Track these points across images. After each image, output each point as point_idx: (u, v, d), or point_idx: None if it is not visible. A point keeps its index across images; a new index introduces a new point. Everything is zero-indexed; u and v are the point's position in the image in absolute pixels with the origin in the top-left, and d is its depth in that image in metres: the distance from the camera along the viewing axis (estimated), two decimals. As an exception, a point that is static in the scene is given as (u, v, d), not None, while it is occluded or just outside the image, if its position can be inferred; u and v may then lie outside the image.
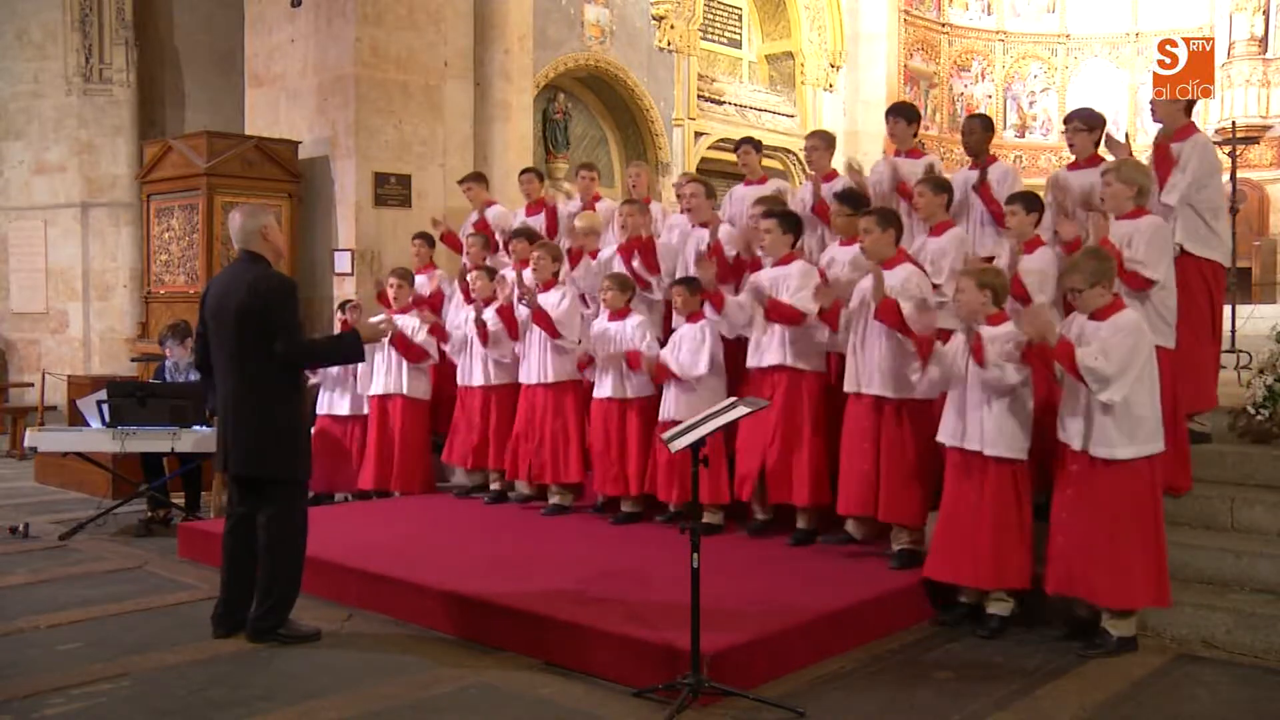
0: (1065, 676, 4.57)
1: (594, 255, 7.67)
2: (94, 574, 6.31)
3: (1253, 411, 6.01)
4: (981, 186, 6.44)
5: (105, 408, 7.34)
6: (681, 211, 7.61)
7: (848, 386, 5.84)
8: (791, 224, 6.25)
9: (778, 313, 6.07)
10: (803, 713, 4.11)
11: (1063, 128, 6.60)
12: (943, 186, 6.10)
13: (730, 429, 5.89)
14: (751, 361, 6.30)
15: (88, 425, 7.75)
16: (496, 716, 4.17)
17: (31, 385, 11.84)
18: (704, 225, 7.07)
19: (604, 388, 6.90)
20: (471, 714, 4.18)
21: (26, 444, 8.52)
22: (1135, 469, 4.77)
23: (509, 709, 4.23)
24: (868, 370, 5.72)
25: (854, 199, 6.34)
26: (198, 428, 7.30)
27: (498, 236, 8.50)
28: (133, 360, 10.88)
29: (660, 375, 6.56)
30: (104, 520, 7.55)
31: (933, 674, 4.61)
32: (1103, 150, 6.27)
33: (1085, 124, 6.17)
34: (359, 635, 5.16)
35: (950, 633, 5.13)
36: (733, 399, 4.78)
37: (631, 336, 6.79)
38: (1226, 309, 9.36)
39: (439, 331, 7.89)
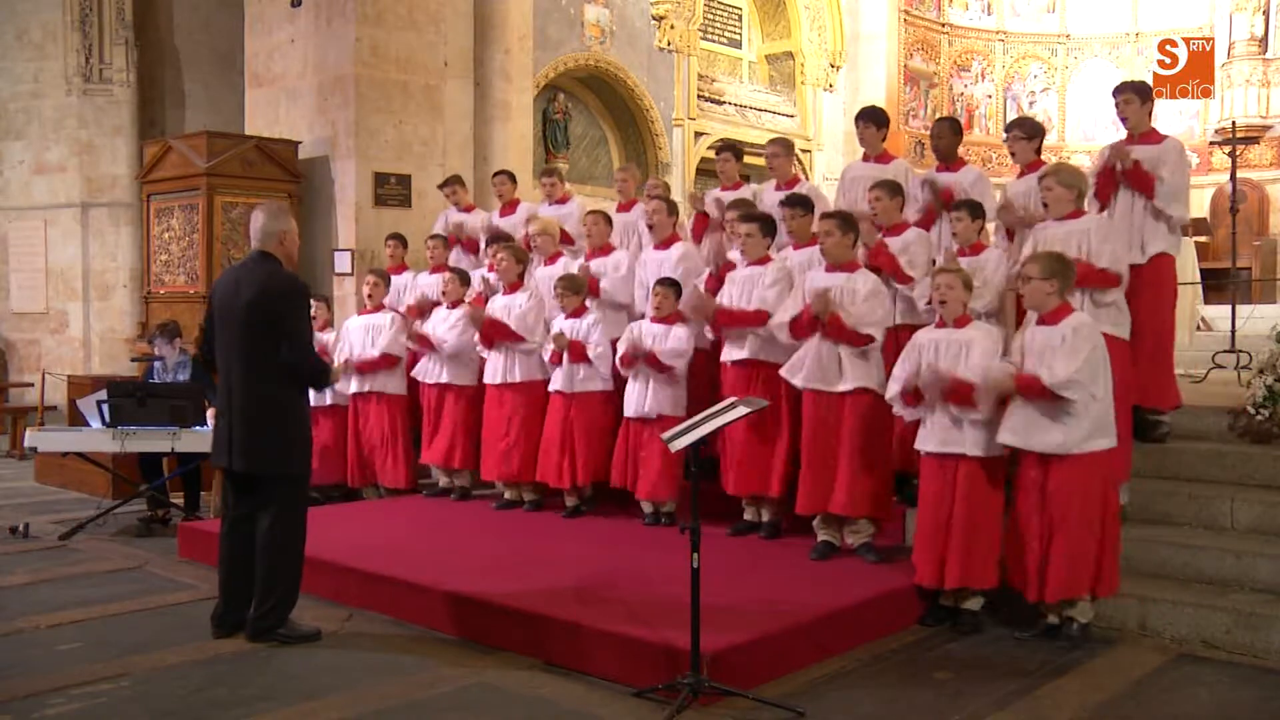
0: (1065, 676, 4.57)
1: (553, 260, 7.68)
2: (94, 574, 6.32)
3: (1253, 411, 6.01)
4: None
5: (105, 408, 7.34)
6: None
7: (788, 377, 5.90)
8: (770, 228, 6.40)
9: (728, 318, 6.20)
10: (803, 712, 4.11)
11: (1004, 136, 6.77)
12: (897, 190, 6.27)
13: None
14: (725, 356, 6.39)
15: (88, 425, 7.75)
16: (496, 716, 4.17)
17: (31, 385, 11.83)
18: (663, 246, 7.12)
19: (555, 381, 7.05)
20: (471, 714, 4.19)
21: (26, 444, 8.52)
22: (1087, 462, 4.82)
23: (509, 709, 4.23)
24: (817, 366, 5.78)
25: (805, 202, 6.48)
26: (198, 428, 7.30)
27: (481, 240, 8.61)
28: (133, 360, 10.88)
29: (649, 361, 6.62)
30: (104, 520, 7.55)
31: (933, 674, 4.61)
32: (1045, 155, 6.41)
33: (1025, 133, 6.41)
34: (359, 635, 5.16)
35: (950, 633, 5.14)
36: (732, 399, 4.79)
37: (585, 334, 6.95)
38: (1226, 309, 9.40)
39: (425, 343, 7.87)
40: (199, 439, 7.24)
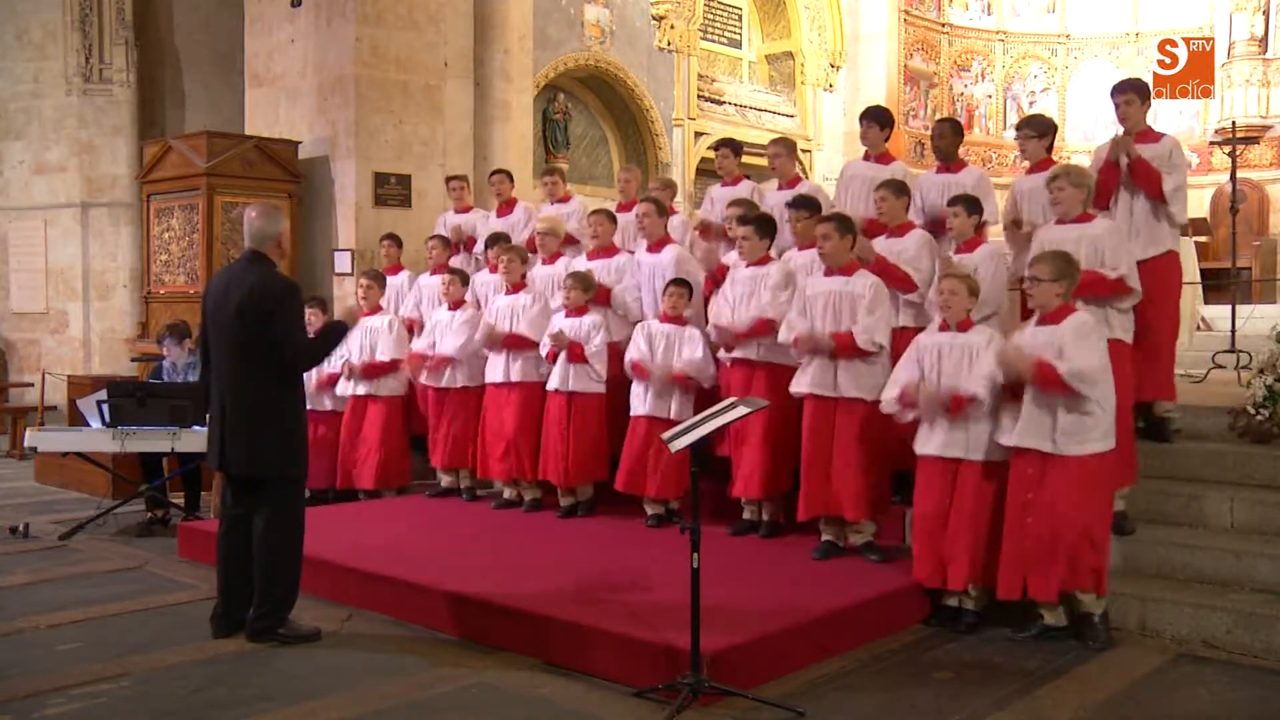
0: (1065, 676, 4.57)
1: (554, 259, 7.64)
2: (94, 574, 6.31)
3: (1253, 411, 6.01)
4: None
5: (105, 408, 7.34)
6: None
7: (794, 388, 5.88)
8: (768, 229, 6.36)
9: (755, 331, 6.12)
10: (803, 712, 4.11)
11: (1014, 134, 6.69)
12: (903, 190, 6.21)
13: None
14: (723, 354, 6.38)
15: (88, 425, 7.75)
16: (496, 716, 4.17)
17: (31, 385, 11.83)
18: (655, 248, 7.06)
19: (552, 381, 7.01)
20: (471, 714, 4.19)
21: (26, 444, 8.52)
22: (1088, 464, 4.82)
23: (509, 709, 4.23)
24: (816, 372, 5.76)
25: (811, 203, 6.43)
26: (197, 428, 7.29)
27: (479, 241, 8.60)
28: (133, 360, 10.88)
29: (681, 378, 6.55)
30: (104, 520, 7.55)
31: (933, 674, 4.61)
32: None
33: (1036, 131, 6.27)
34: (359, 635, 5.16)
35: (950, 633, 5.14)
36: (731, 399, 4.79)
37: (585, 335, 6.91)
38: (1226, 309, 9.39)
39: (440, 363, 7.87)
40: (199, 439, 7.22)
